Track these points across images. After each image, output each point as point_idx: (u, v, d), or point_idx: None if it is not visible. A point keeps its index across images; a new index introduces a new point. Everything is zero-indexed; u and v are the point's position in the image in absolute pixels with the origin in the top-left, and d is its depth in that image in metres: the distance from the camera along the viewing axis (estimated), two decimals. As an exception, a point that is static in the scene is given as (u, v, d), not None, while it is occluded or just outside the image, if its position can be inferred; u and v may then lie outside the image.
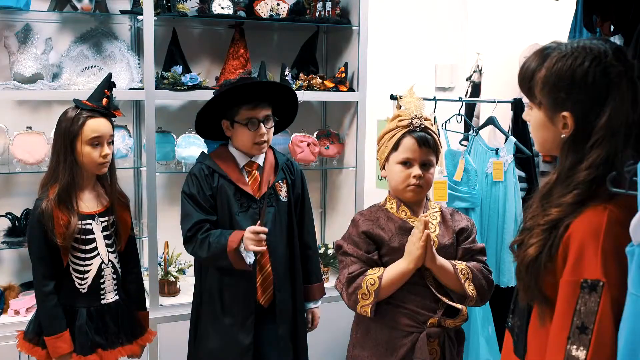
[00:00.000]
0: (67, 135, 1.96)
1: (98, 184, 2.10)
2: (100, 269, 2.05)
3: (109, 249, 2.09)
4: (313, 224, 2.35)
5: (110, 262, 2.09)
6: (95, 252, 2.05)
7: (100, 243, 2.06)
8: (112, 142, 2.06)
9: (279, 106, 2.19)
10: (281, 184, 2.19)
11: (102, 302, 2.07)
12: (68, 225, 1.96)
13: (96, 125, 1.98)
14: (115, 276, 2.11)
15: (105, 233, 2.07)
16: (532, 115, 1.31)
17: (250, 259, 2.01)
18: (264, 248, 1.98)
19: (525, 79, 1.29)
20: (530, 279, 1.23)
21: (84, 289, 2.04)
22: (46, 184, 2.02)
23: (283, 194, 2.19)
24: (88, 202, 2.05)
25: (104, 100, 2.00)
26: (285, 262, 2.18)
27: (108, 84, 2.05)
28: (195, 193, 2.09)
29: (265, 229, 1.96)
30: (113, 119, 2.07)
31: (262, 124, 2.09)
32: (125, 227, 2.14)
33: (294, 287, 2.21)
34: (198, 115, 2.14)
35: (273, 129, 2.16)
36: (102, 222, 2.07)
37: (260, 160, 2.19)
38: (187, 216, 2.10)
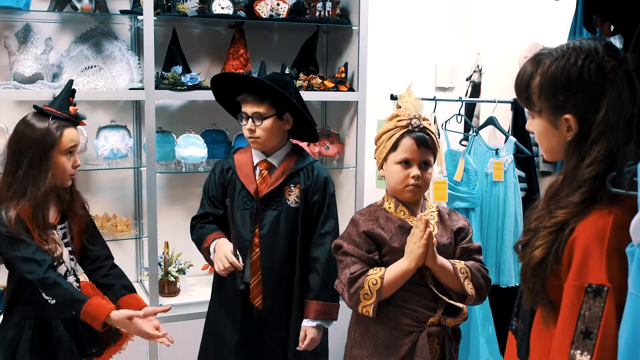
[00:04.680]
0: (41, 145, 1.82)
1: (54, 194, 1.94)
2: (65, 277, 1.92)
3: (70, 256, 1.98)
4: (331, 236, 2.11)
5: (72, 270, 1.98)
6: (61, 261, 1.92)
7: (64, 251, 1.94)
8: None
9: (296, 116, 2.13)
10: (292, 188, 2.12)
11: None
12: (47, 243, 1.84)
13: (73, 135, 1.89)
14: (77, 284, 1.99)
15: (65, 240, 1.96)
16: (535, 125, 1.30)
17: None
18: (223, 274, 2.04)
19: (522, 88, 1.29)
20: (535, 282, 1.22)
21: (52, 300, 1.89)
22: (4, 200, 1.82)
23: (292, 199, 2.11)
24: (49, 213, 1.91)
25: (72, 109, 1.91)
26: (280, 269, 2.11)
27: (71, 91, 1.95)
28: (207, 187, 2.20)
29: (237, 264, 1.99)
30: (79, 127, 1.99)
31: (250, 120, 2.06)
32: (79, 221, 1.99)
33: (290, 295, 2.12)
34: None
35: (267, 128, 2.06)
36: (61, 229, 1.95)
37: (275, 160, 2.14)
38: (200, 206, 2.22)
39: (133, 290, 2.05)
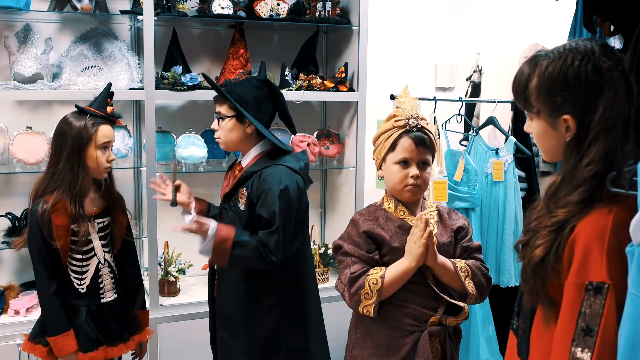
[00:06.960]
0: (78, 140, 1.99)
1: (94, 186, 2.13)
2: (97, 269, 2.10)
3: (105, 249, 2.13)
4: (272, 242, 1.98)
5: (106, 262, 2.13)
6: (92, 253, 2.09)
7: (97, 244, 2.10)
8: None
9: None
10: (244, 191, 2.08)
11: (102, 300, 2.11)
12: (78, 230, 2.02)
13: (107, 131, 2.06)
14: (112, 275, 2.15)
15: (101, 234, 2.11)
16: (533, 126, 1.31)
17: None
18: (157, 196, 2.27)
19: (519, 90, 1.30)
20: (536, 281, 1.23)
21: (83, 289, 2.07)
22: (44, 189, 2.02)
23: (242, 202, 2.08)
24: (86, 204, 2.08)
25: (109, 109, 2.09)
26: (229, 269, 2.11)
27: (109, 93, 2.12)
28: None
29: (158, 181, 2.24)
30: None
31: (216, 120, 2.16)
32: (120, 229, 2.18)
33: (237, 293, 2.12)
34: None
35: (226, 128, 2.10)
36: (98, 223, 2.11)
37: (244, 162, 2.15)
38: None
39: (143, 307, 2.29)
